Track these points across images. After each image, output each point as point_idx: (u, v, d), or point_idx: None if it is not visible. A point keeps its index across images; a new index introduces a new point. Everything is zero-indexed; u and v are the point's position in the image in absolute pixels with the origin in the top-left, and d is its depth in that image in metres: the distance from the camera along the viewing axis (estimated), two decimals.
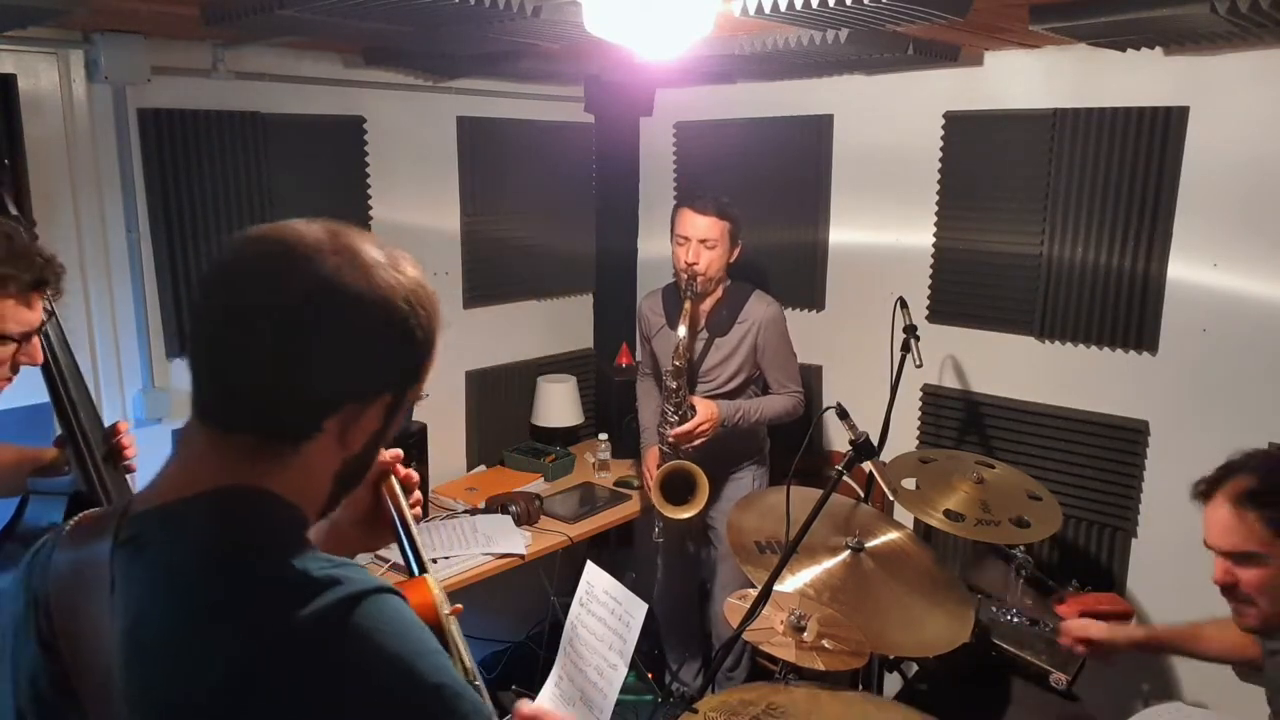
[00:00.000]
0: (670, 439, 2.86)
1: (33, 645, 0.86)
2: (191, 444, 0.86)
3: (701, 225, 2.84)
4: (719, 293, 2.98)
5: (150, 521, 0.84)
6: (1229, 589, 1.70)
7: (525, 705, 1.12)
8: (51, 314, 1.64)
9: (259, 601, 0.77)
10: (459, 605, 1.05)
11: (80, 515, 0.91)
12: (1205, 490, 1.74)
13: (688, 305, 2.85)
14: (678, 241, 2.90)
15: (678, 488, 2.91)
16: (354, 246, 0.85)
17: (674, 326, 2.91)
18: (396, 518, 1.11)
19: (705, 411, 2.83)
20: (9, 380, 1.54)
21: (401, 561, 1.10)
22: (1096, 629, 2.07)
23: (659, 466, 2.93)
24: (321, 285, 0.81)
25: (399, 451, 1.13)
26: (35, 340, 1.54)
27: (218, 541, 0.80)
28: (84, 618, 0.84)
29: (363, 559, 1.18)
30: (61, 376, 1.67)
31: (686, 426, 2.82)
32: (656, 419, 3.04)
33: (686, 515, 2.89)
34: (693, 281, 2.84)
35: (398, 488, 1.13)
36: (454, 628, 1.02)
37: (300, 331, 0.81)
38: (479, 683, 1.01)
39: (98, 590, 0.82)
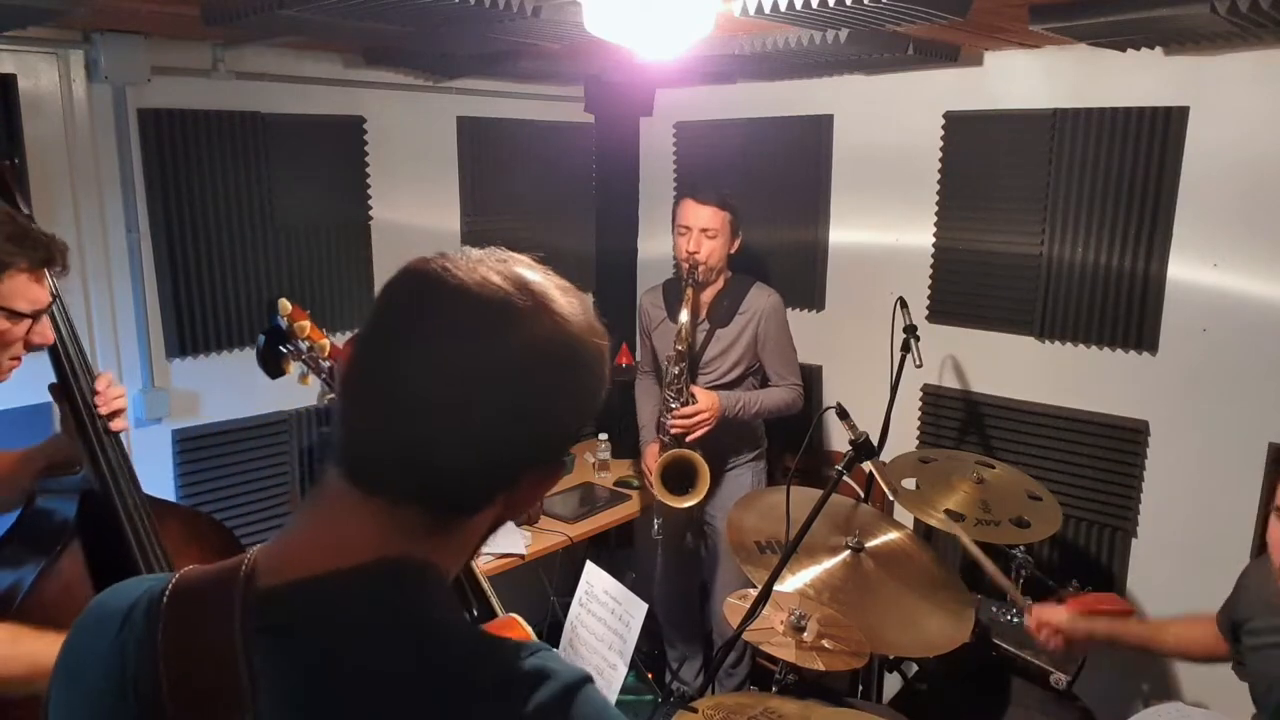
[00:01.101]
0: (671, 428, 2.86)
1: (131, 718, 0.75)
2: (339, 507, 0.74)
3: (703, 215, 2.87)
4: (720, 283, 3.00)
5: (297, 600, 0.72)
6: None
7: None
8: (55, 296, 1.63)
9: (475, 701, 0.69)
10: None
11: (179, 580, 0.78)
12: None
13: (689, 293, 2.86)
14: (679, 231, 2.93)
15: (678, 477, 2.89)
16: (550, 299, 0.75)
17: (675, 318, 2.92)
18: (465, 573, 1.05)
19: (706, 400, 2.83)
20: (19, 361, 1.53)
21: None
22: (1060, 615, 2.11)
23: (654, 475, 2.92)
24: (528, 349, 0.72)
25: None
26: (45, 319, 1.53)
27: (399, 625, 0.71)
28: (218, 713, 0.72)
29: None
30: (64, 347, 1.65)
31: (687, 411, 2.82)
32: (655, 416, 3.04)
33: (688, 504, 2.87)
34: (694, 270, 2.86)
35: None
36: None
37: (501, 400, 0.72)
38: None
39: (230, 679, 0.71)
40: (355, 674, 0.69)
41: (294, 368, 1.75)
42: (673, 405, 2.86)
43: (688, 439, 2.85)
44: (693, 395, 2.85)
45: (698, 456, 2.85)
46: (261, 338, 1.74)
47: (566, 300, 0.77)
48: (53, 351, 1.62)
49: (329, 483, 0.75)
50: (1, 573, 1.55)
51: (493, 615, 1.04)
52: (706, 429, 2.84)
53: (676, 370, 2.86)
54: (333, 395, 1.65)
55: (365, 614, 0.71)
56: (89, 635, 0.80)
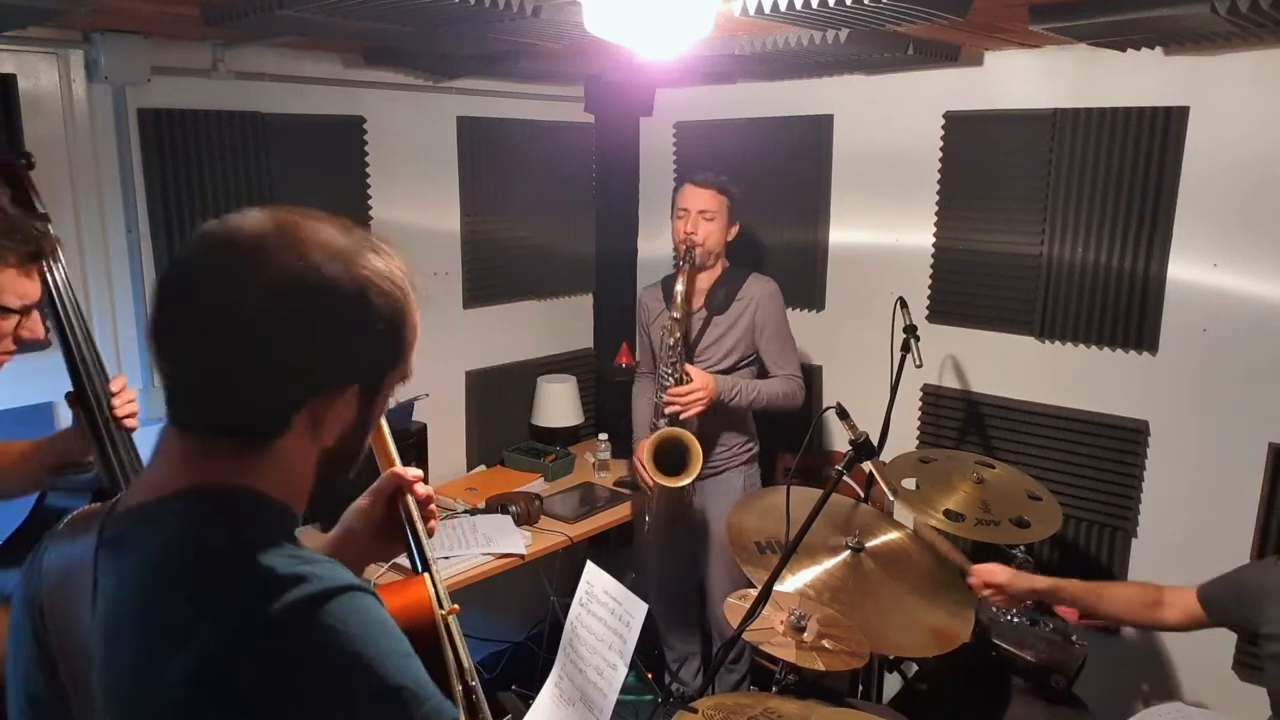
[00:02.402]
0: (666, 406, 2.84)
1: (30, 644, 0.88)
2: (167, 445, 0.87)
3: (701, 197, 2.90)
4: (717, 270, 2.99)
5: (130, 521, 0.85)
6: None
7: None
8: (64, 301, 1.63)
9: (226, 597, 0.77)
10: (457, 605, 1.05)
11: (73, 514, 0.93)
12: None
13: (685, 272, 2.85)
14: (678, 215, 2.94)
15: (670, 457, 2.87)
16: (300, 239, 0.83)
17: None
18: (406, 522, 1.12)
19: (700, 379, 2.80)
20: (10, 355, 1.53)
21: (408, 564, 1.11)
22: (1002, 573, 2.15)
23: (645, 451, 2.88)
24: (268, 283, 0.80)
25: (419, 473, 1.15)
26: (35, 314, 1.53)
27: (190, 539, 0.80)
28: (70, 616, 0.85)
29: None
30: (79, 350, 1.65)
31: (681, 389, 2.79)
32: (649, 417, 3.04)
33: (681, 484, 2.84)
34: (691, 251, 2.85)
35: (413, 504, 1.13)
36: (454, 626, 1.02)
37: (249, 330, 0.80)
38: (475, 683, 1.01)
39: (82, 589, 0.84)
40: (151, 578, 0.80)
41: None
42: (667, 384, 2.85)
43: (682, 416, 2.83)
44: (687, 375, 2.84)
45: (690, 435, 2.82)
46: None
47: (344, 241, 0.84)
48: (67, 353, 1.62)
49: (164, 427, 0.88)
50: (11, 570, 1.54)
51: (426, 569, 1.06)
52: (701, 407, 2.81)
53: (671, 342, 2.83)
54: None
55: (173, 530, 0.81)
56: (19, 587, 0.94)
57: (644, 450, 2.93)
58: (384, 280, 0.85)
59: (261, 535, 0.82)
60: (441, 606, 1.00)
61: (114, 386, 1.67)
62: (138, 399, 1.65)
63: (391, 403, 0.95)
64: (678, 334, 2.82)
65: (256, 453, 0.85)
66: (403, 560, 1.14)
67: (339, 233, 0.85)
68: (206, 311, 0.81)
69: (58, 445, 1.73)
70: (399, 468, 1.14)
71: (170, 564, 0.80)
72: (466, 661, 1.01)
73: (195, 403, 0.85)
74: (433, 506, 1.17)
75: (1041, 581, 2.14)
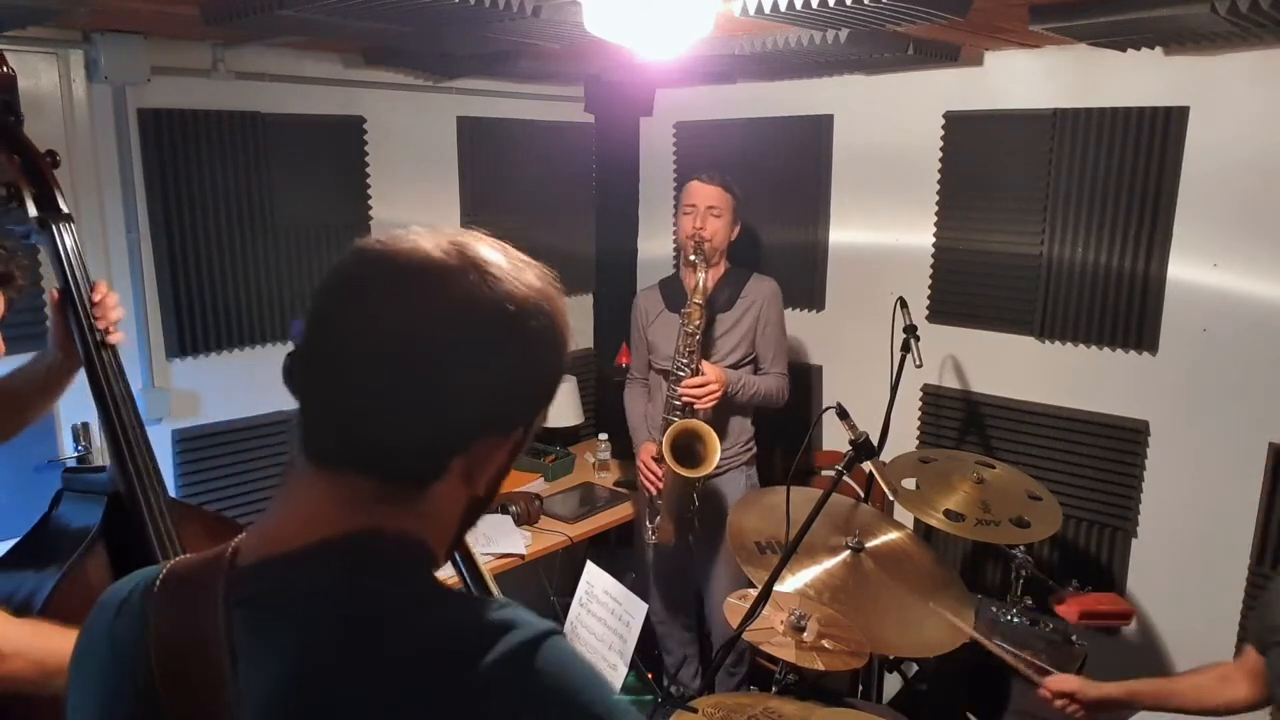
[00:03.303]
0: (681, 398, 2.85)
1: (130, 703, 0.77)
2: (304, 485, 0.76)
3: (709, 193, 2.92)
4: (720, 269, 3.01)
5: (270, 576, 0.74)
6: None
7: None
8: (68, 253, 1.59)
9: (436, 656, 0.70)
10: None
11: (170, 568, 0.81)
12: None
13: (697, 267, 2.84)
14: (685, 211, 2.95)
15: (686, 450, 2.88)
16: (482, 259, 0.75)
17: (674, 310, 2.93)
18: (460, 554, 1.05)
19: (713, 373, 2.84)
20: None
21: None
22: (1074, 682, 2.05)
23: (664, 431, 2.89)
24: (454, 306, 0.72)
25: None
26: None
27: (365, 594, 0.72)
28: (203, 693, 0.74)
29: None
30: (69, 262, 1.61)
31: (695, 381, 2.82)
32: (644, 419, 3.06)
33: (701, 474, 2.86)
34: (700, 246, 2.87)
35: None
36: None
37: (431, 360, 0.71)
38: None
39: (214, 660, 0.73)
40: (327, 643, 0.70)
41: None
42: (683, 374, 2.86)
43: (697, 407, 2.84)
44: (700, 370, 2.86)
45: (706, 426, 2.84)
46: None
47: (509, 263, 0.76)
48: (55, 262, 1.58)
49: (295, 463, 0.77)
50: (25, 573, 1.51)
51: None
52: (714, 400, 2.83)
53: (691, 329, 2.82)
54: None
55: (331, 585, 0.72)
56: (91, 629, 0.82)
57: (650, 450, 2.94)
58: (556, 305, 0.78)
59: (434, 583, 0.76)
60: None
61: (95, 295, 1.58)
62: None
63: None
64: (697, 321, 2.83)
65: (412, 499, 0.76)
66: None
67: (503, 249, 0.78)
68: (380, 332, 0.71)
69: (48, 356, 1.67)
70: None
71: (351, 627, 0.71)
72: None
73: (341, 438, 0.74)
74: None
75: (1114, 688, 2.04)
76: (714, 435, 2.81)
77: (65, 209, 1.63)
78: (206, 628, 0.74)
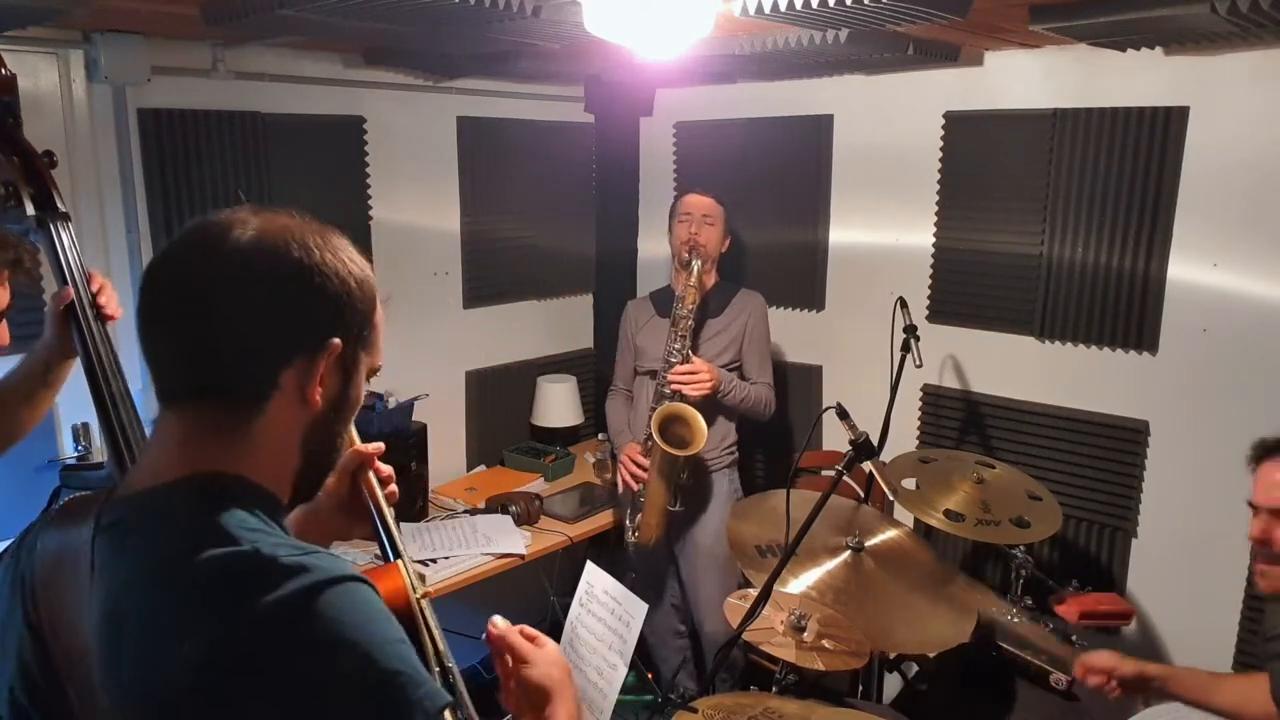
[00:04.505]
0: (670, 384, 2.87)
1: (21, 628, 0.90)
2: (162, 430, 0.90)
3: (705, 203, 3.01)
4: (711, 279, 3.04)
5: (128, 508, 0.87)
6: (1263, 544, 1.77)
7: (497, 621, 1.21)
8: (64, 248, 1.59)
9: (229, 588, 0.79)
10: (430, 589, 1.07)
11: (69, 499, 0.96)
12: (1264, 452, 1.85)
13: (691, 269, 2.89)
14: (680, 220, 3.02)
15: (675, 436, 2.88)
16: (266, 213, 0.90)
17: (664, 315, 2.98)
18: (373, 507, 1.15)
19: (704, 364, 2.87)
20: None
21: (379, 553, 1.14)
22: (1108, 658, 2.01)
23: (651, 421, 2.89)
24: (239, 251, 0.87)
25: (380, 446, 1.18)
26: (3, 324, 1.51)
27: (191, 529, 0.82)
28: (66, 602, 0.87)
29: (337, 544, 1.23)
30: (67, 258, 1.61)
31: (686, 367, 2.84)
32: (626, 425, 3.12)
33: (687, 454, 2.86)
34: (696, 252, 2.92)
35: (375, 480, 1.16)
36: (428, 610, 1.04)
37: (227, 293, 0.86)
38: (451, 664, 1.03)
39: (79, 575, 0.86)
40: (154, 567, 0.81)
41: None
42: (674, 360, 2.88)
43: (685, 391, 2.85)
44: (690, 360, 2.87)
45: (693, 410, 2.85)
46: None
47: (266, 219, 0.90)
48: (53, 260, 1.58)
49: (159, 413, 0.90)
50: None
51: (396, 556, 1.08)
52: (703, 390, 2.84)
53: (684, 312, 2.87)
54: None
55: (173, 519, 0.84)
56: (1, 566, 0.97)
57: (634, 449, 2.97)
58: (336, 255, 0.92)
59: (258, 525, 0.85)
60: (415, 590, 1.02)
61: (94, 285, 1.61)
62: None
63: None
64: (690, 304, 2.87)
65: (249, 425, 0.88)
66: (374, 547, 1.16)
67: (275, 217, 0.92)
68: (184, 281, 0.88)
69: (39, 355, 1.66)
70: (359, 445, 1.17)
71: (172, 553, 0.81)
72: (442, 645, 1.05)
73: (181, 372, 0.88)
74: (392, 488, 1.20)
75: (1152, 668, 2.00)
76: (700, 419, 2.84)
77: (63, 208, 1.63)
78: (78, 544, 0.87)
